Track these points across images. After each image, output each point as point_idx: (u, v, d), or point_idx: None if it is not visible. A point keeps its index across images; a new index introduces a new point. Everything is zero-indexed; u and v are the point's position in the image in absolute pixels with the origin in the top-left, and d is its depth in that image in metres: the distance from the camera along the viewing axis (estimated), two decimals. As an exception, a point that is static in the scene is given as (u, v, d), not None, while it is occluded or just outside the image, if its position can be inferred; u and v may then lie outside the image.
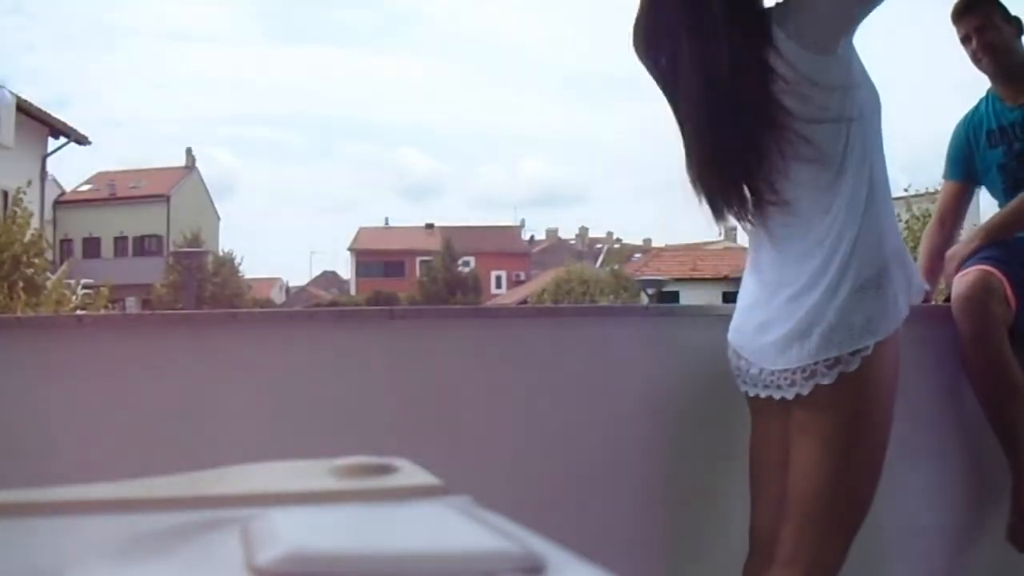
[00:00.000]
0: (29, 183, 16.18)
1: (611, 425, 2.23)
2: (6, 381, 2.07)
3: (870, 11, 1.81)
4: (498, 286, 45.51)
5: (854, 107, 1.82)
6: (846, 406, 1.83)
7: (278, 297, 43.19)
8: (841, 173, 1.83)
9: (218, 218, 40.81)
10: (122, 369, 2.14)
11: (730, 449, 2.08)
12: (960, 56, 2.72)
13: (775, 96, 1.78)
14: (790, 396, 1.84)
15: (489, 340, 2.31)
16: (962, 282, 2.40)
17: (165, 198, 36.69)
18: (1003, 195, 2.71)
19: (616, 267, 36.60)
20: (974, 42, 2.64)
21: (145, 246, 36.18)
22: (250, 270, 36.69)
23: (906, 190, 21.13)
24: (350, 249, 48.31)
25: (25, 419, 2.03)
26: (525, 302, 29.45)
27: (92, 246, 35.82)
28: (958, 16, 2.67)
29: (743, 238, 2.07)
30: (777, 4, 1.85)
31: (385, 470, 0.70)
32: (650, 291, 23.09)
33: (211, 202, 40.56)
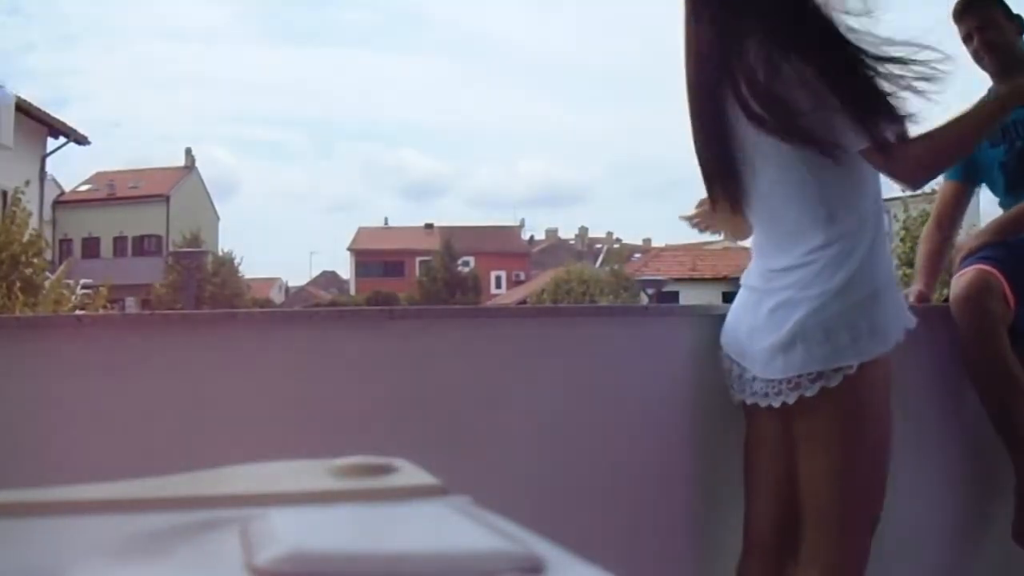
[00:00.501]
0: (28, 183, 16.18)
1: (611, 425, 2.23)
2: (6, 381, 2.07)
3: None
4: (498, 286, 45.51)
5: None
6: (833, 417, 1.85)
7: (278, 297, 43.19)
8: (840, 190, 1.85)
9: (217, 218, 40.81)
10: (122, 369, 2.14)
11: (730, 449, 2.08)
12: (960, 55, 2.72)
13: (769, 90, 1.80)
14: (776, 404, 1.88)
15: (489, 340, 2.31)
16: (961, 281, 2.40)
17: (164, 198, 36.69)
18: (1004, 193, 2.71)
19: (616, 267, 36.60)
20: (975, 41, 2.63)
21: (144, 246, 36.17)
22: (249, 270, 36.70)
23: (903, 190, 21.13)
24: (349, 249, 48.30)
25: (25, 419, 2.03)
26: (525, 302, 29.45)
27: (91, 246, 35.81)
28: (959, 15, 2.66)
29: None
30: None
31: (385, 470, 0.70)
32: (650, 291, 23.10)
33: (210, 202, 40.55)
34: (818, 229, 1.85)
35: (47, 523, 0.60)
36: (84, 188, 37.50)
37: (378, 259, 46.80)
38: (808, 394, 1.83)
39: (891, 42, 1.79)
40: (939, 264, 2.85)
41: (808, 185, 1.86)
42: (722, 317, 2.07)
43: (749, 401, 1.95)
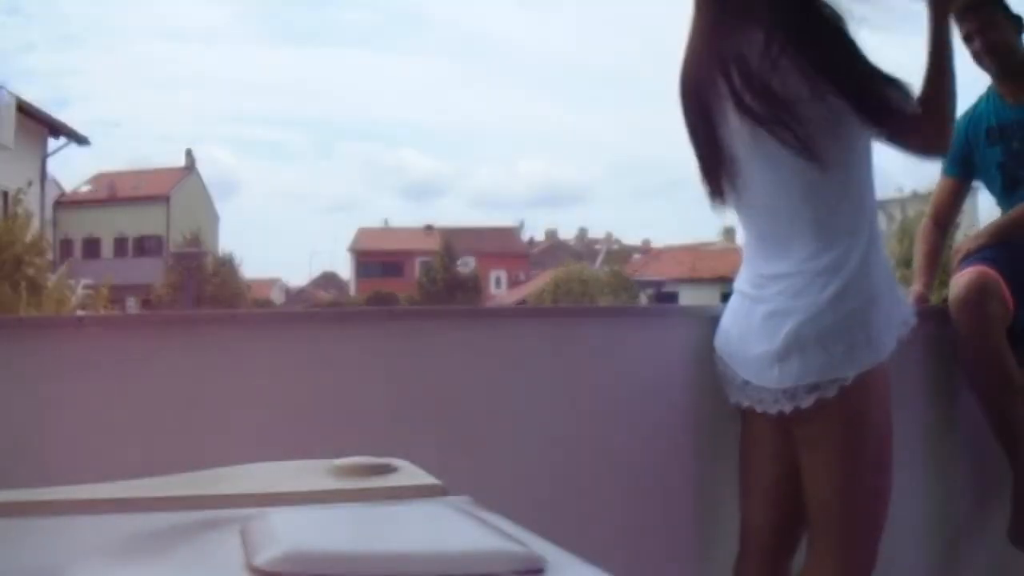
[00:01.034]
0: (29, 184, 16.17)
1: (611, 425, 2.23)
2: (6, 381, 2.07)
3: None
4: (497, 287, 45.51)
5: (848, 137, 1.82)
6: (831, 428, 1.83)
7: (278, 297, 43.17)
8: (831, 195, 1.82)
9: (217, 218, 40.81)
10: (122, 369, 2.14)
11: (729, 449, 2.08)
12: (958, 54, 2.72)
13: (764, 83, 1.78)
14: (772, 412, 1.86)
15: (489, 340, 2.31)
16: (960, 283, 2.40)
17: (165, 199, 36.69)
18: (1001, 194, 2.71)
19: (615, 268, 36.60)
20: (976, 42, 2.62)
21: (145, 247, 36.17)
22: (250, 270, 36.69)
23: (900, 191, 21.14)
24: (350, 250, 48.30)
25: (25, 419, 2.03)
26: (524, 303, 29.46)
27: (92, 246, 35.82)
28: (960, 15, 2.64)
29: (742, 239, 2.08)
30: None
31: (385, 470, 0.70)
32: (649, 291, 23.10)
33: (211, 203, 40.54)
34: (810, 235, 1.82)
35: (47, 523, 0.60)
36: (85, 189, 37.51)
37: (378, 260, 46.79)
38: (804, 405, 1.81)
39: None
40: (937, 263, 2.84)
41: (799, 188, 1.83)
42: (721, 318, 2.07)
43: (745, 404, 1.93)
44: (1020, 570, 2.42)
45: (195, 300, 26.13)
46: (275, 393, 2.15)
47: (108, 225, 35.70)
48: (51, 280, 15.83)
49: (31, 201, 15.93)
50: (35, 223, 15.87)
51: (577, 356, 2.29)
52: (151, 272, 31.60)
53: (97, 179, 37.49)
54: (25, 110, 18.07)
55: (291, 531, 0.54)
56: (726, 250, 27.85)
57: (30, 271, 14.66)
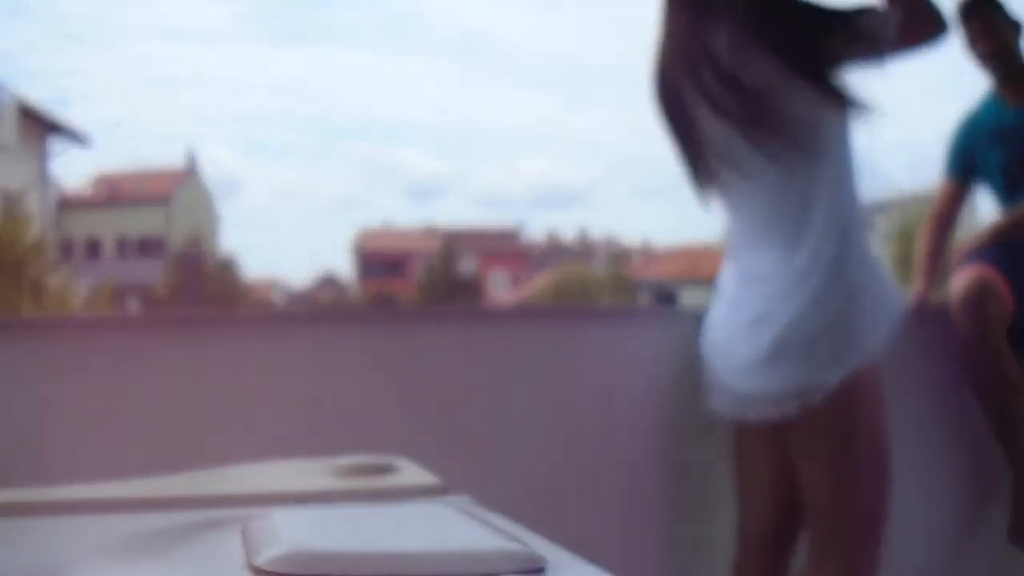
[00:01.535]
0: (31, 184, 16.18)
1: (611, 425, 2.23)
2: (6, 381, 2.07)
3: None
4: (498, 287, 45.51)
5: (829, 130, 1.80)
6: (822, 433, 1.80)
7: (279, 298, 43.16)
8: (810, 191, 1.77)
9: (219, 219, 40.81)
10: (122, 369, 2.14)
11: (729, 448, 2.08)
12: (957, 54, 2.71)
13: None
14: (759, 417, 1.83)
15: (489, 340, 2.31)
16: (960, 283, 2.40)
17: (166, 200, 36.70)
18: (1002, 196, 2.70)
19: (615, 268, 36.59)
20: (980, 44, 2.62)
21: (146, 247, 36.16)
22: (251, 271, 36.71)
23: (900, 192, 21.17)
24: (350, 250, 48.32)
25: (25, 419, 2.03)
26: (525, 303, 29.43)
27: (93, 247, 35.82)
28: (965, 17, 2.63)
29: (726, 235, 2.03)
30: None
31: (385, 470, 0.70)
32: (649, 292, 23.10)
33: (212, 204, 40.55)
34: (790, 231, 1.78)
35: (47, 523, 0.60)
36: (86, 190, 37.52)
37: (379, 260, 46.79)
38: (791, 411, 1.78)
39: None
40: (937, 264, 2.84)
41: (776, 183, 1.79)
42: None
43: (732, 412, 1.90)
44: (1020, 570, 2.42)
45: (196, 301, 26.15)
46: (275, 393, 2.15)
47: (109, 226, 35.69)
48: (53, 281, 15.83)
49: (32, 202, 15.93)
50: (36, 224, 15.88)
51: (577, 356, 2.29)
52: (152, 273, 31.59)
53: (98, 180, 37.50)
54: (26, 110, 18.08)
55: (292, 531, 0.54)
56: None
57: (32, 272, 14.67)
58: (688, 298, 25.40)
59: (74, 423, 2.03)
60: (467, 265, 42.12)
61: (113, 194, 36.63)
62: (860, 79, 1.77)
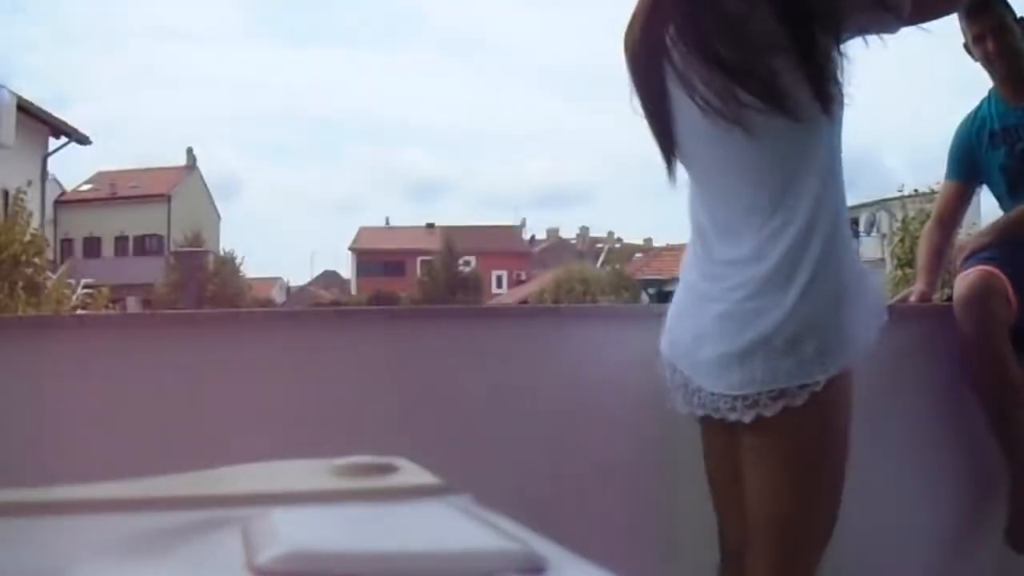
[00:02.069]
0: (30, 183, 16.17)
1: (611, 425, 2.22)
2: (7, 381, 2.07)
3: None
4: (499, 286, 45.50)
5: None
6: (794, 438, 1.63)
7: (279, 297, 43.16)
8: (796, 178, 1.63)
9: (219, 218, 40.82)
10: (122, 369, 2.14)
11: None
12: (957, 55, 2.70)
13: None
14: (730, 419, 1.65)
15: (489, 340, 2.31)
16: (964, 282, 2.40)
17: (166, 198, 36.70)
18: (1004, 196, 2.70)
19: (617, 267, 36.60)
20: (989, 43, 2.59)
21: (146, 246, 36.18)
22: (251, 270, 36.70)
23: (900, 190, 21.17)
24: (351, 249, 48.31)
25: (25, 419, 2.03)
26: (525, 302, 29.44)
27: (93, 246, 35.83)
28: (975, 15, 2.60)
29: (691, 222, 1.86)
30: None
31: (385, 470, 0.70)
32: (651, 291, 23.11)
33: (212, 202, 40.57)
34: (767, 213, 1.62)
35: (47, 523, 0.60)
36: (85, 188, 37.51)
37: (379, 259, 46.81)
38: (768, 413, 1.60)
39: None
40: (940, 263, 2.85)
41: (758, 163, 1.65)
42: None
43: (699, 413, 1.73)
44: (1020, 570, 2.42)
45: (196, 299, 26.16)
46: (275, 393, 2.15)
47: (109, 224, 35.71)
48: (51, 280, 15.82)
49: (31, 200, 15.93)
50: (35, 222, 15.87)
51: (578, 355, 2.29)
52: (152, 271, 31.59)
53: (98, 178, 37.49)
54: (26, 109, 18.08)
55: (292, 531, 0.54)
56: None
57: (28, 271, 14.66)
58: (688, 297, 25.32)
59: (74, 423, 2.02)
60: (467, 264, 42.11)
61: (113, 192, 36.62)
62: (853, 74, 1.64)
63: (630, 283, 30.97)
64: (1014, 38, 2.61)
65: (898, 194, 21.06)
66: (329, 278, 50.44)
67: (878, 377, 2.45)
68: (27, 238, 15.10)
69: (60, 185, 32.13)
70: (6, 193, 16.19)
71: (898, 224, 20.03)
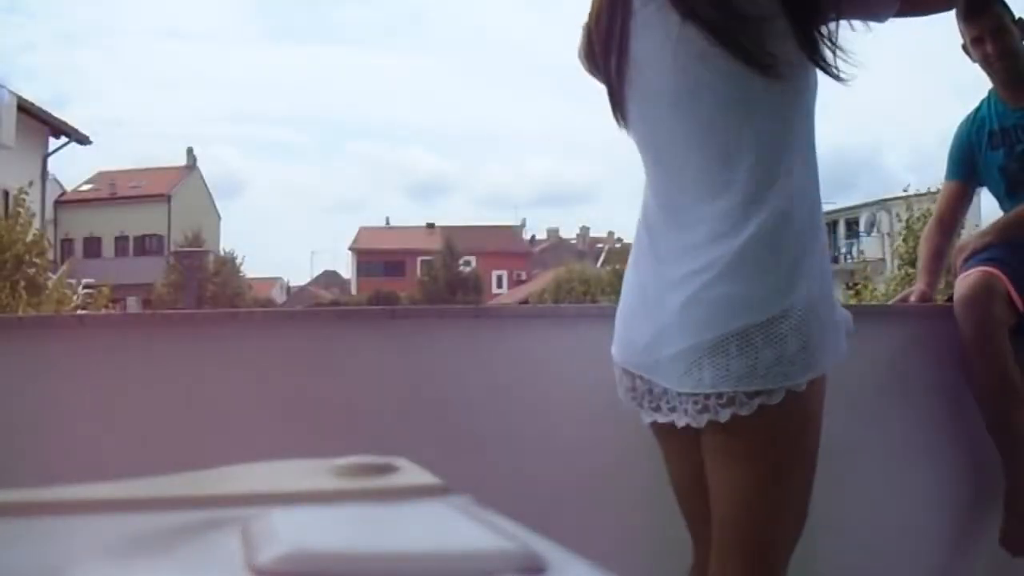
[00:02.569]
0: (31, 183, 16.19)
1: (611, 425, 2.22)
2: (7, 380, 2.07)
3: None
4: (499, 286, 45.53)
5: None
6: (768, 440, 1.50)
7: (279, 297, 43.19)
8: (776, 159, 1.48)
9: (219, 218, 40.84)
10: (122, 369, 2.14)
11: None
12: (957, 55, 2.70)
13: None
14: (700, 424, 1.49)
15: (489, 340, 2.31)
16: (965, 283, 2.40)
17: (166, 197, 36.72)
18: (1004, 197, 2.70)
19: (617, 267, 36.58)
20: (989, 44, 2.58)
21: (146, 246, 36.21)
22: (251, 270, 36.74)
23: (905, 190, 21.20)
24: (351, 249, 48.32)
25: (26, 418, 2.03)
26: (526, 302, 29.44)
27: (93, 246, 35.85)
28: (974, 16, 2.59)
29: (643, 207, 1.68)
30: None
31: (385, 469, 0.70)
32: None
33: (212, 202, 40.58)
34: (739, 190, 1.46)
35: (47, 523, 0.60)
36: (86, 188, 37.54)
37: (379, 259, 46.83)
38: (744, 412, 1.45)
39: None
40: (941, 264, 2.85)
41: (719, 124, 1.49)
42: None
43: (663, 419, 1.57)
44: (1019, 571, 2.41)
45: (196, 299, 26.17)
46: (276, 392, 2.15)
47: (109, 224, 35.74)
48: (51, 280, 15.84)
49: (32, 200, 15.94)
50: (36, 222, 15.88)
51: (578, 355, 2.29)
52: (152, 271, 31.62)
53: (98, 178, 37.51)
54: (26, 109, 18.09)
55: (292, 531, 0.54)
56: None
57: (30, 271, 14.67)
58: (688, 297, 25.30)
59: (74, 423, 2.03)
60: (468, 264, 42.12)
61: (113, 192, 36.64)
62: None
63: (630, 283, 30.88)
64: (1013, 39, 2.60)
65: (901, 194, 21.09)
66: (329, 278, 50.44)
67: (878, 377, 2.46)
68: (30, 238, 15.11)
69: (60, 185, 32.14)
70: (7, 193, 16.20)
71: (902, 224, 20.06)
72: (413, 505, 0.64)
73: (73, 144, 20.06)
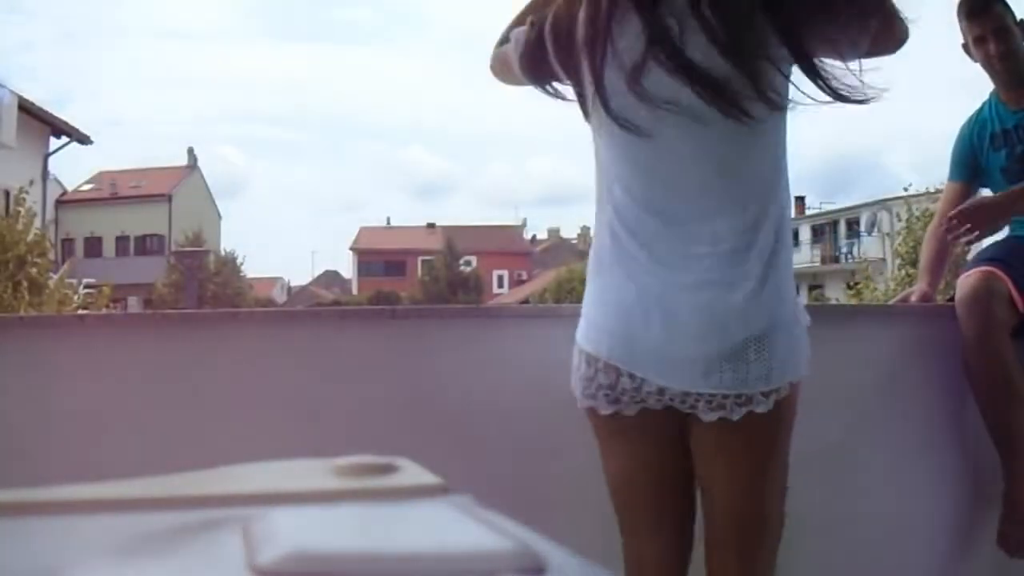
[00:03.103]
0: (31, 183, 16.20)
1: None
2: (7, 380, 2.07)
3: None
4: (500, 285, 45.53)
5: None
6: (774, 432, 1.62)
7: (280, 296, 43.22)
8: (768, 166, 1.60)
9: (220, 217, 40.86)
10: (122, 369, 2.14)
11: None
12: (957, 55, 2.70)
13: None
14: (712, 419, 1.59)
15: (489, 340, 2.31)
16: (966, 284, 2.40)
17: (167, 197, 36.75)
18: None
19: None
20: (991, 45, 2.57)
21: (147, 245, 36.23)
22: (252, 269, 36.77)
23: (906, 189, 21.21)
24: (351, 248, 48.33)
25: (25, 419, 2.03)
26: (527, 302, 29.44)
27: (94, 245, 35.88)
28: (976, 16, 2.59)
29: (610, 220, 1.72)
30: None
31: (386, 469, 0.70)
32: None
33: (213, 201, 40.60)
34: (743, 207, 1.57)
35: (47, 523, 0.60)
36: (87, 188, 37.56)
37: (380, 258, 46.84)
38: (759, 409, 1.56)
39: None
40: (943, 264, 2.84)
41: (726, 144, 1.57)
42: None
43: (639, 411, 1.64)
44: (1020, 571, 2.41)
45: (197, 299, 26.19)
46: (275, 392, 2.15)
47: (110, 224, 35.76)
48: (53, 280, 15.84)
49: (33, 200, 15.95)
50: (37, 222, 15.89)
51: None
52: (153, 271, 31.65)
53: (99, 177, 37.52)
54: (27, 109, 18.10)
55: (293, 530, 0.54)
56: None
57: (32, 271, 14.68)
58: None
59: (74, 422, 2.03)
60: (468, 264, 42.12)
61: (114, 192, 36.66)
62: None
63: (631, 283, 30.88)
64: (1015, 40, 2.59)
65: (902, 194, 21.09)
66: (330, 278, 50.46)
67: (878, 377, 2.46)
68: (31, 238, 15.12)
69: (61, 185, 32.15)
70: (7, 193, 16.20)
71: (902, 224, 20.08)
72: (413, 505, 0.64)
73: (74, 144, 20.08)
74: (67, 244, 32.89)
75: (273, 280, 44.11)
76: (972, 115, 2.76)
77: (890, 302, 5.10)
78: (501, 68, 1.83)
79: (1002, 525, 2.36)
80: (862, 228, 30.01)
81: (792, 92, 1.56)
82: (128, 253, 36.27)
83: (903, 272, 18.48)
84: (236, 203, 72.21)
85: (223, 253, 35.29)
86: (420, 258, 44.89)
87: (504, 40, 1.82)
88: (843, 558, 2.36)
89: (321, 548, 0.51)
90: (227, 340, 2.24)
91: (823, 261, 32.54)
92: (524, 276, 46.47)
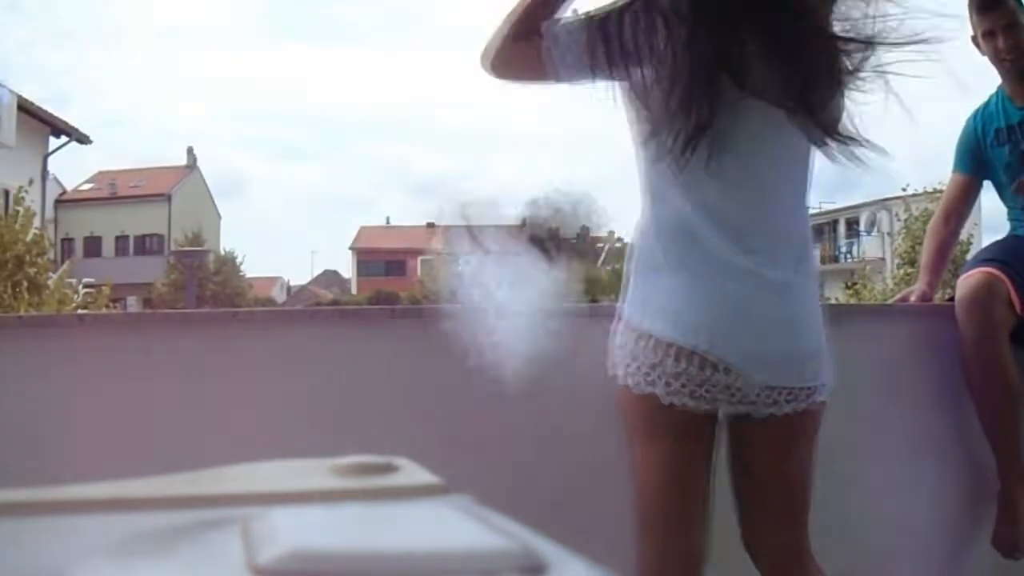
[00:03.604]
0: (31, 182, 16.19)
1: (611, 424, 2.22)
2: (8, 380, 2.07)
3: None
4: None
5: None
6: (819, 419, 1.78)
7: (279, 296, 43.18)
8: (808, 182, 1.79)
9: (219, 217, 40.83)
10: (123, 368, 2.14)
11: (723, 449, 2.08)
12: (958, 54, 2.69)
13: None
14: (785, 412, 1.70)
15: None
16: (966, 284, 2.40)
17: (166, 197, 36.72)
18: (1006, 193, 2.70)
19: (617, 266, 36.56)
20: (1000, 39, 2.56)
21: (146, 245, 36.20)
22: (251, 269, 36.73)
23: (904, 189, 21.18)
24: (351, 248, 48.30)
25: (26, 418, 2.03)
26: (526, 301, 29.36)
27: (93, 245, 35.85)
28: (986, 10, 2.57)
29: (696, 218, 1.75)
30: None
31: (386, 469, 0.70)
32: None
33: (212, 201, 40.58)
34: (806, 217, 1.82)
35: (47, 523, 0.60)
36: (86, 187, 37.53)
37: (380, 258, 46.79)
38: (820, 398, 1.72)
39: None
40: (944, 260, 2.83)
41: (804, 161, 1.74)
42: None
43: (740, 410, 1.71)
44: (1019, 571, 2.42)
45: (196, 299, 26.18)
46: (275, 392, 2.15)
47: (109, 223, 35.73)
48: (52, 279, 15.84)
49: (32, 200, 15.94)
50: (36, 222, 15.88)
51: (578, 355, 2.28)
52: (152, 271, 31.63)
53: (98, 177, 37.50)
54: (26, 108, 18.10)
55: (293, 530, 0.54)
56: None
57: (31, 271, 14.68)
58: (689, 297, 25.28)
59: (74, 422, 2.03)
60: (468, 263, 42.03)
61: (113, 192, 36.64)
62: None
63: (631, 283, 30.91)
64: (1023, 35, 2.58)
65: (901, 194, 21.06)
66: (329, 277, 50.40)
67: (878, 377, 2.46)
68: (30, 238, 15.12)
69: (60, 184, 32.16)
70: (7, 193, 16.20)
71: (901, 223, 20.08)
72: (413, 505, 0.64)
73: (73, 143, 20.09)
74: (66, 244, 32.88)
75: (273, 279, 44.07)
76: (978, 108, 2.74)
77: (889, 301, 5.10)
78: (522, 64, 1.79)
79: (997, 525, 2.36)
80: (862, 228, 30.00)
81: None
82: (127, 253, 36.25)
83: (902, 272, 18.48)
84: (236, 203, 72.07)
85: (223, 253, 35.27)
86: (420, 258, 44.86)
87: (516, 35, 1.76)
88: (843, 556, 2.36)
89: (321, 548, 0.51)
90: (227, 340, 2.24)
91: (823, 261, 32.53)
92: (524, 276, 46.37)
